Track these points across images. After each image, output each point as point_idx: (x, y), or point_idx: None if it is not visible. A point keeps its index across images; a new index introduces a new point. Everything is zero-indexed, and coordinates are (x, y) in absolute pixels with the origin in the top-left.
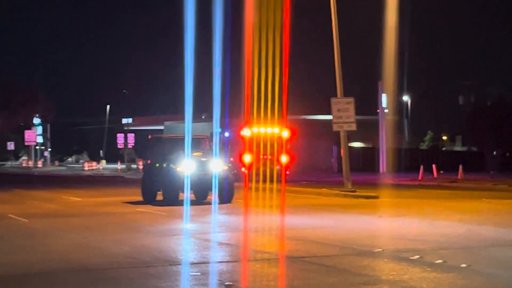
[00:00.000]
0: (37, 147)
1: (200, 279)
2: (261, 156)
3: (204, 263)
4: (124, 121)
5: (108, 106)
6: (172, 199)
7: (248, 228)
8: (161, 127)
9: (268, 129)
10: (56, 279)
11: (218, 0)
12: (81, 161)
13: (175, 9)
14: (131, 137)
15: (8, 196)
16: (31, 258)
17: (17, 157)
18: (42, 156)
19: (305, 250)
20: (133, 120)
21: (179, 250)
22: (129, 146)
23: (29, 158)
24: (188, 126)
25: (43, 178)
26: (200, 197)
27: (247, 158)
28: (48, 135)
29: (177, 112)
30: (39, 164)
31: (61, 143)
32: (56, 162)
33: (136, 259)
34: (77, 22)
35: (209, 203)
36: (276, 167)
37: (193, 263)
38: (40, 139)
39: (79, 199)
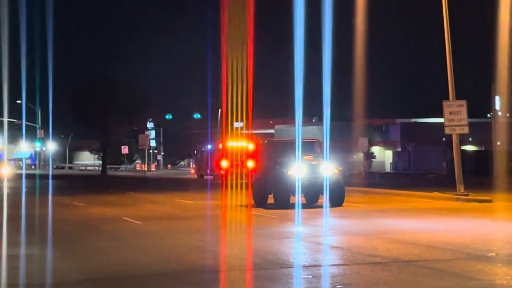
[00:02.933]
0: (151, 151)
1: (312, 282)
2: (234, 162)
3: (315, 266)
4: (236, 125)
5: (220, 110)
6: (283, 203)
7: (358, 232)
8: (272, 131)
9: (239, 143)
10: (168, 280)
11: (327, 2)
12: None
13: (280, 14)
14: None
15: (123, 199)
16: (144, 259)
17: (131, 161)
18: (155, 159)
19: (417, 254)
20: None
21: (290, 253)
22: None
23: (143, 162)
24: (299, 130)
25: (156, 181)
26: (311, 201)
27: (224, 163)
28: (161, 139)
29: (288, 116)
30: (152, 167)
31: (174, 147)
32: (169, 166)
33: (248, 262)
34: (189, 30)
35: (320, 207)
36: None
37: (304, 266)
38: (153, 143)
39: (192, 201)
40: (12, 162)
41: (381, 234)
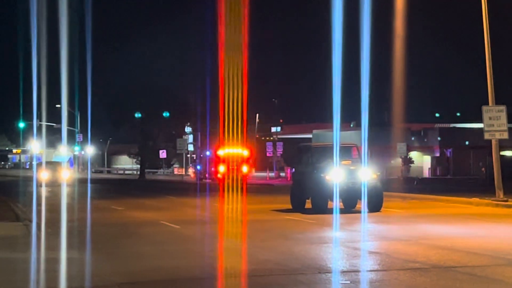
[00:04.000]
0: (188, 155)
1: (350, 287)
2: (230, 167)
3: (353, 271)
4: (273, 129)
5: (257, 115)
6: (321, 208)
7: (397, 237)
8: (309, 136)
9: (234, 150)
10: (205, 284)
11: (365, 5)
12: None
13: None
14: (279, 145)
15: (161, 203)
16: (181, 264)
17: (169, 165)
18: (193, 163)
19: (456, 260)
20: (281, 129)
21: (328, 258)
22: (278, 154)
23: (181, 166)
24: (337, 134)
25: (193, 186)
26: (349, 206)
27: (222, 168)
28: (199, 143)
29: (326, 121)
30: (190, 171)
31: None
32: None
33: (285, 266)
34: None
35: (358, 212)
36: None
37: (342, 271)
38: (190, 148)
39: (230, 206)
40: (70, 166)
41: (420, 239)
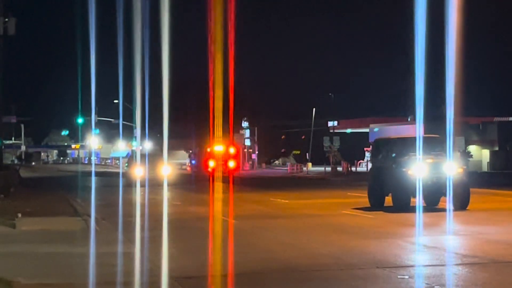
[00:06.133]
0: (245, 150)
1: (408, 282)
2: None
3: (411, 266)
4: (330, 123)
5: (314, 109)
6: (403, 205)
7: (456, 232)
8: (366, 130)
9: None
10: (265, 278)
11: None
12: (288, 163)
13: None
14: (336, 139)
15: (219, 198)
16: (240, 258)
17: None
18: (250, 158)
19: None
20: (338, 123)
21: (386, 253)
22: (335, 148)
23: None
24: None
25: (250, 180)
26: (431, 203)
27: (211, 163)
28: (256, 138)
29: (382, 115)
30: (246, 167)
31: (269, 146)
32: (263, 165)
33: (343, 261)
34: (278, 30)
35: (442, 210)
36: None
37: (400, 266)
38: (247, 142)
39: (286, 201)
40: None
41: (480, 234)
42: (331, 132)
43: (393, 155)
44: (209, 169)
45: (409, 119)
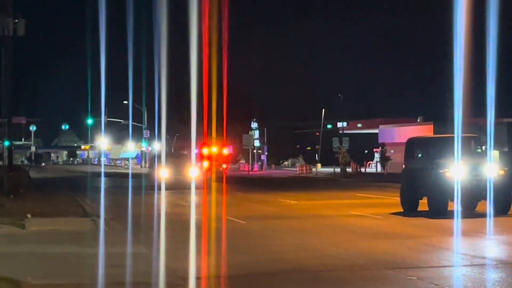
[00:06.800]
0: (255, 151)
1: (417, 283)
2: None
3: (420, 267)
4: (339, 124)
5: (323, 110)
6: (441, 209)
7: (466, 233)
8: (376, 131)
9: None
10: (274, 279)
11: None
12: (297, 164)
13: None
14: (345, 140)
15: (227, 199)
16: (249, 259)
17: (235, 161)
18: (259, 159)
19: None
20: (347, 124)
21: (395, 254)
22: (344, 149)
23: (247, 162)
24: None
25: (259, 181)
26: (469, 207)
27: (205, 164)
28: (265, 139)
29: (392, 116)
30: (255, 168)
31: (278, 147)
32: (273, 166)
33: (351, 262)
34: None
35: (481, 215)
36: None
37: (409, 267)
38: (257, 143)
39: (295, 202)
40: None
41: (491, 235)
42: (340, 133)
43: (429, 155)
44: (204, 170)
45: (418, 120)
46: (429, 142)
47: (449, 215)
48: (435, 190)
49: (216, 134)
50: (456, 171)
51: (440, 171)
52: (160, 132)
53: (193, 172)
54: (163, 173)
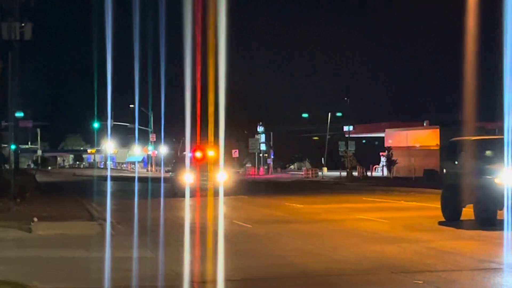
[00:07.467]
0: (261, 155)
1: None
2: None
3: (427, 271)
4: (345, 128)
5: (329, 114)
6: (489, 220)
7: (472, 237)
8: (382, 135)
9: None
10: (280, 283)
11: None
12: (303, 168)
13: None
14: (351, 144)
15: (232, 202)
16: (255, 263)
17: (241, 165)
18: (266, 163)
19: None
20: (354, 128)
21: (401, 258)
22: (350, 153)
23: (253, 165)
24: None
25: (265, 185)
26: None
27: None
28: (271, 142)
29: (397, 119)
30: (261, 171)
31: (284, 151)
32: (279, 169)
33: (358, 266)
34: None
35: None
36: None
37: (416, 272)
38: (263, 147)
39: (302, 205)
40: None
41: (496, 239)
42: (347, 137)
43: (475, 159)
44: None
45: (424, 124)
46: (475, 144)
47: (498, 225)
48: (482, 198)
49: (218, 138)
50: (507, 177)
51: (488, 177)
52: (161, 136)
53: (221, 177)
54: (188, 178)
